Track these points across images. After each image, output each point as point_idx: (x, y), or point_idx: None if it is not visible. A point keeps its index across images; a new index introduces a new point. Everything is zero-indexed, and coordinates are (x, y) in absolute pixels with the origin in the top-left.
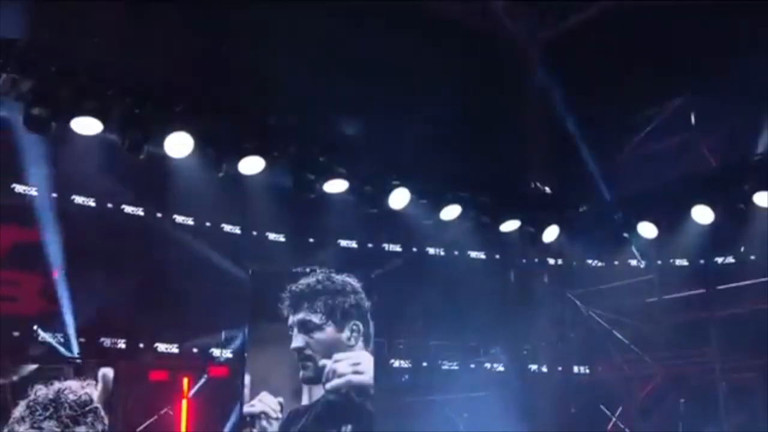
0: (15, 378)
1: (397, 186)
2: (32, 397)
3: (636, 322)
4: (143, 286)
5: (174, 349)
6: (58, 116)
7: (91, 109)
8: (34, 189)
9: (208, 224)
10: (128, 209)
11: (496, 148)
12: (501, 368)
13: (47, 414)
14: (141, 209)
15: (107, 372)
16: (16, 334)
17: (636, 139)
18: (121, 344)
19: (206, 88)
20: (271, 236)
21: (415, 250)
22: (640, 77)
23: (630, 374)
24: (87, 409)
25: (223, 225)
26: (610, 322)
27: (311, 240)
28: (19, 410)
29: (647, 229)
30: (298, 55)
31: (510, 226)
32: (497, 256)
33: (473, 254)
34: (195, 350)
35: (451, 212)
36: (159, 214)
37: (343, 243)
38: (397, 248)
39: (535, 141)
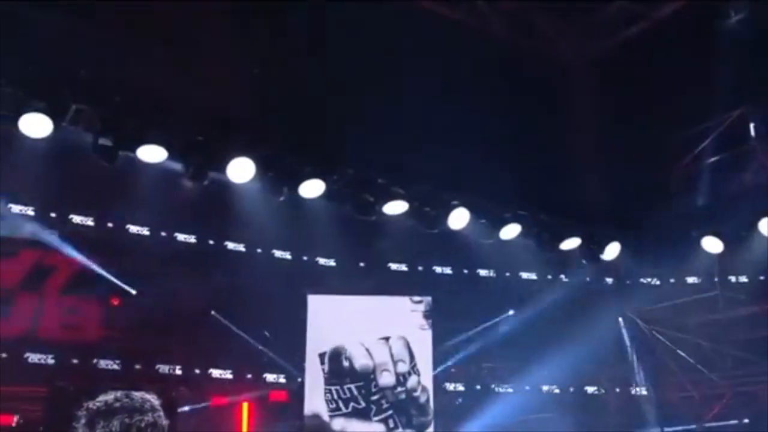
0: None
1: (456, 206)
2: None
3: (700, 341)
4: (197, 313)
5: (228, 374)
6: (124, 145)
7: (156, 137)
8: (91, 219)
9: (259, 250)
10: (180, 237)
11: (554, 166)
12: (556, 390)
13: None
14: (193, 236)
15: (169, 398)
16: (75, 361)
17: (694, 152)
18: (177, 370)
19: (266, 114)
20: (322, 261)
21: (466, 271)
22: (695, 90)
23: (695, 394)
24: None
25: (274, 251)
26: (672, 341)
27: (362, 264)
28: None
29: (712, 244)
30: (354, 77)
31: (570, 244)
32: (549, 276)
33: (525, 275)
34: (249, 376)
35: (510, 231)
36: (211, 241)
37: (394, 266)
38: (448, 270)
39: (590, 158)
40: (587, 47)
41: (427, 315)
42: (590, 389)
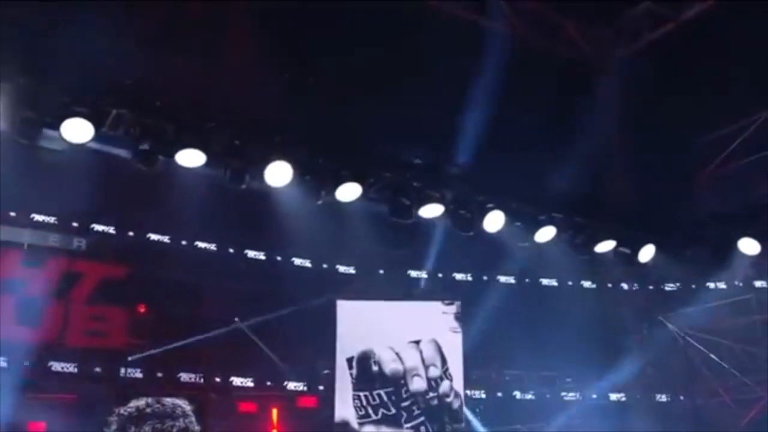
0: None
1: (492, 209)
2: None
3: (734, 344)
4: (217, 321)
5: (249, 382)
6: (163, 150)
7: (194, 141)
8: (112, 228)
9: (278, 258)
10: (201, 245)
11: (586, 168)
12: (571, 396)
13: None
14: (214, 245)
15: (200, 404)
16: (97, 370)
17: (721, 155)
18: (199, 379)
19: (304, 118)
20: (342, 269)
21: (485, 278)
22: (721, 93)
23: (729, 399)
24: None
25: (294, 259)
26: (706, 345)
27: (381, 272)
28: None
29: (749, 246)
30: (392, 84)
31: (605, 246)
32: (569, 283)
33: (545, 281)
34: (269, 383)
35: (545, 234)
36: (231, 250)
37: (414, 273)
38: (468, 278)
39: (618, 160)
40: (613, 49)
41: (458, 317)
42: (615, 396)
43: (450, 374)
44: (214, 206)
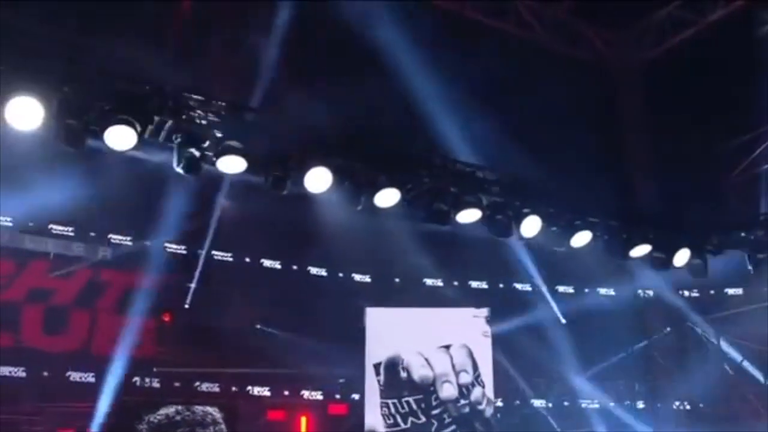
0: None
1: (528, 214)
2: None
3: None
4: (240, 330)
5: (266, 392)
6: (206, 157)
7: (234, 148)
8: (129, 239)
9: (294, 267)
10: (218, 255)
11: (615, 173)
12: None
13: None
14: (230, 254)
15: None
16: (117, 379)
17: (747, 159)
18: (215, 388)
19: (341, 123)
20: (357, 277)
21: (501, 285)
22: (746, 96)
23: (761, 405)
24: None
25: (310, 267)
26: (741, 351)
27: (396, 280)
28: None
29: None
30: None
31: (640, 251)
32: (612, 293)
33: (561, 288)
34: (286, 393)
35: (581, 239)
36: (247, 259)
37: (429, 282)
38: (483, 285)
39: (645, 165)
40: (636, 54)
41: (489, 320)
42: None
43: (482, 381)
44: (232, 217)
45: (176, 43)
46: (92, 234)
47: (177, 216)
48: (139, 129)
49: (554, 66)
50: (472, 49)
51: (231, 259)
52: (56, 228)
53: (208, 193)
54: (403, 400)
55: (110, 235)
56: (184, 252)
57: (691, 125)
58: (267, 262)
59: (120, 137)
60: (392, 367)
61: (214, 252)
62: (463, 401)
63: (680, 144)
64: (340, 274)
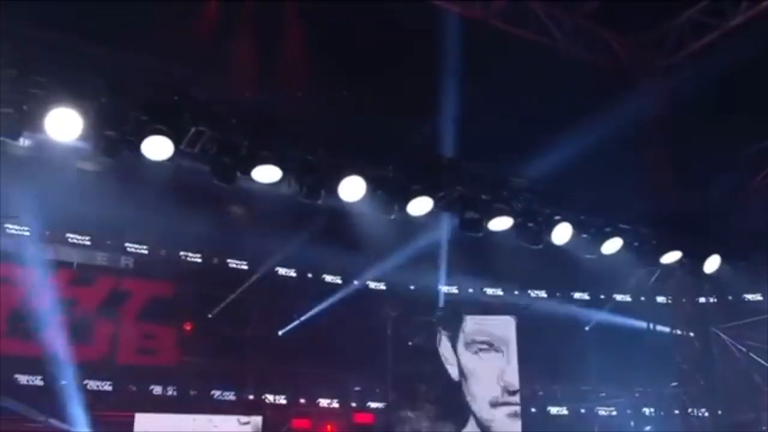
0: None
1: (559, 221)
2: None
3: None
4: (260, 339)
5: (282, 400)
6: (240, 167)
7: (269, 157)
8: (145, 248)
9: (309, 275)
10: (233, 263)
11: (649, 180)
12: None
13: None
14: (245, 263)
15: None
16: (132, 388)
17: None
18: (230, 396)
19: (374, 133)
20: (372, 285)
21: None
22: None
23: None
24: None
25: (323, 275)
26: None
27: (412, 287)
28: None
29: None
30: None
31: (671, 257)
32: (629, 299)
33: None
34: (302, 401)
35: (612, 245)
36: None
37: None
38: (498, 293)
39: (668, 171)
40: (655, 60)
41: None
42: (647, 411)
43: (513, 387)
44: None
45: (203, 51)
46: (108, 243)
47: (192, 225)
48: (175, 139)
49: (575, 72)
50: (499, 54)
51: (246, 267)
52: (73, 237)
53: (221, 200)
54: (430, 406)
55: (126, 244)
56: (199, 261)
57: (715, 130)
58: (282, 271)
59: (157, 147)
60: (419, 375)
61: (231, 261)
62: (492, 409)
63: (704, 148)
64: (355, 282)
